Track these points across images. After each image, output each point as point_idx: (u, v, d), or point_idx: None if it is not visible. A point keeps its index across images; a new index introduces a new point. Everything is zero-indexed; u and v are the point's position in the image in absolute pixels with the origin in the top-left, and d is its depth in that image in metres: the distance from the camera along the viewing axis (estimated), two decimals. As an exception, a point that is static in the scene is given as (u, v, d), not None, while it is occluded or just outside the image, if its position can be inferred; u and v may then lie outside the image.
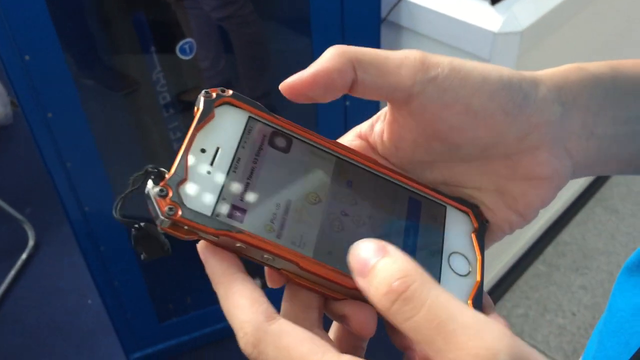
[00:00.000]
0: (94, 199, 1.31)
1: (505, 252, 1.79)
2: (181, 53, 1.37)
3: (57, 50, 1.11)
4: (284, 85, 0.30)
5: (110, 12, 1.48)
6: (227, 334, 1.72)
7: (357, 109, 1.39)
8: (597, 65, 0.35)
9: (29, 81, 1.11)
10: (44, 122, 1.16)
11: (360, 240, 0.26)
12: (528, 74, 0.33)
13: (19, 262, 1.96)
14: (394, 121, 0.34)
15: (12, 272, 1.93)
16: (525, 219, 0.35)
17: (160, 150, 1.59)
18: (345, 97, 1.36)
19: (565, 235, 1.95)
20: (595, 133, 0.34)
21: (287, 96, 0.30)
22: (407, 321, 0.24)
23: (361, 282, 0.25)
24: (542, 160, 0.32)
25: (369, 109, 1.22)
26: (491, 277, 1.75)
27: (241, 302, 0.27)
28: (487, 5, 1.26)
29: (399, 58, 0.31)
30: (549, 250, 1.93)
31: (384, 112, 0.35)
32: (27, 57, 1.08)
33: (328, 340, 0.29)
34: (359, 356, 0.28)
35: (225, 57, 1.56)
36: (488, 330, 0.23)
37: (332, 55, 0.30)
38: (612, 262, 1.87)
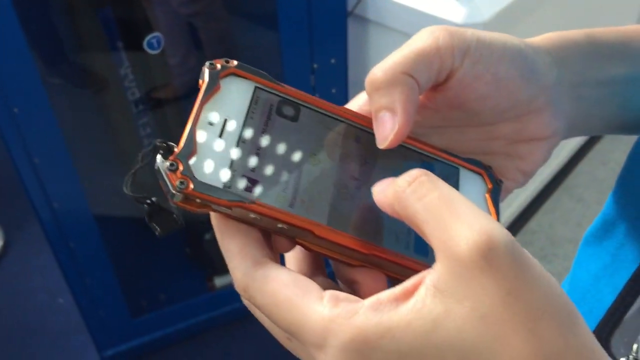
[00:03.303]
0: (63, 195, 1.31)
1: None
2: (149, 47, 1.37)
3: (21, 45, 1.11)
4: (384, 145, 0.30)
5: (77, 8, 1.47)
6: (200, 330, 1.72)
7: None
8: (574, 33, 0.37)
9: (-7, 76, 1.10)
10: (10, 117, 1.15)
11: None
12: (528, 41, 0.34)
13: (-12, 263, 1.93)
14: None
15: (-18, 273, 1.91)
16: (527, 177, 0.36)
17: (130, 146, 1.58)
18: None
19: (533, 224, 1.99)
20: (581, 95, 0.36)
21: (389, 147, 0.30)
22: (421, 200, 0.26)
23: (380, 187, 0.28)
24: (545, 121, 0.34)
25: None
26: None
27: (231, 248, 0.28)
28: (451, -3, 1.28)
29: (433, 46, 0.30)
30: (518, 239, 1.95)
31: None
32: (-9, 52, 1.08)
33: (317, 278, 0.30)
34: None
35: (196, 53, 1.56)
36: (492, 221, 0.24)
37: (395, 88, 0.30)
38: (579, 250, 1.91)
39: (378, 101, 0.30)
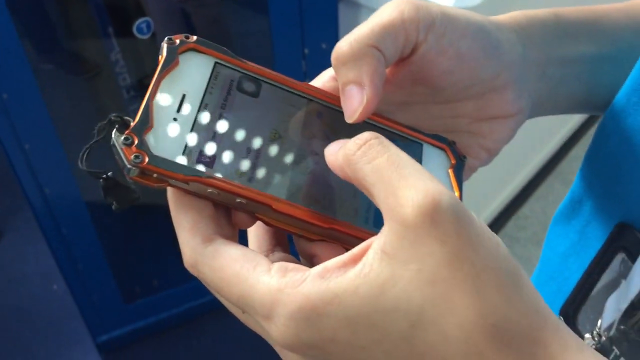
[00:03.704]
0: (54, 180, 1.31)
1: (467, 227, 1.82)
2: (138, 32, 1.37)
3: (10, 31, 1.10)
4: (353, 119, 0.30)
5: (66, -7, 1.47)
6: (194, 315, 1.73)
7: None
8: (541, 12, 0.37)
9: (-19, 62, 1.10)
10: (-1, 103, 1.15)
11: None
12: (492, 19, 0.35)
13: (-17, 250, 1.94)
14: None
15: (-24, 260, 1.92)
16: (492, 155, 0.36)
17: (122, 132, 1.58)
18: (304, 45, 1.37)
19: (525, 210, 2.00)
20: (546, 73, 0.36)
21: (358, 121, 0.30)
22: (370, 162, 0.26)
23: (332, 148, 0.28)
24: (509, 99, 0.34)
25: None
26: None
27: (183, 224, 0.28)
28: (441, -18, 1.28)
29: (398, 19, 0.30)
30: (510, 224, 1.97)
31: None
32: (-22, 38, 1.07)
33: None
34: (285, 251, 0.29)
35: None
36: (437, 183, 0.25)
37: (363, 60, 0.30)
38: (571, 235, 1.92)
39: (345, 75, 0.30)
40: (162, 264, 1.73)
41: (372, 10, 1.39)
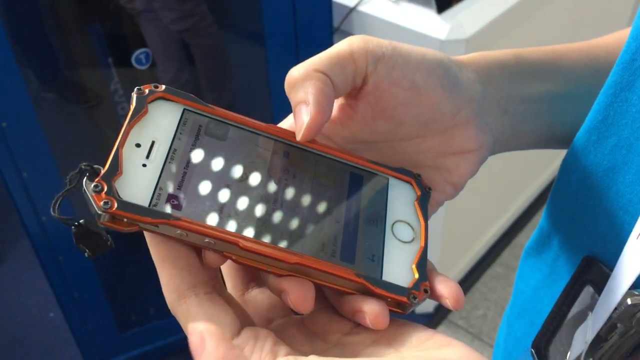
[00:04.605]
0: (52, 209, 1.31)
1: (464, 255, 1.83)
2: (137, 63, 1.39)
3: (9, 60, 1.12)
4: (299, 136, 0.32)
5: (66, 24, 1.49)
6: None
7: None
8: (501, 53, 0.39)
9: (-20, 92, 1.12)
10: (-2, 132, 1.16)
11: None
12: (452, 57, 0.36)
13: (-20, 277, 1.94)
14: (345, 102, 0.35)
15: (-27, 287, 1.92)
16: (457, 189, 0.37)
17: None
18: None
19: (521, 238, 2.00)
20: (508, 111, 0.37)
21: (305, 139, 0.32)
22: None
23: None
24: (471, 135, 0.35)
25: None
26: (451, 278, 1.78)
27: (162, 277, 0.29)
28: (434, 14, 1.30)
29: (347, 51, 0.32)
30: (506, 253, 1.97)
31: None
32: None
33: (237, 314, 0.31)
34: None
35: (188, 69, 1.57)
36: None
37: (309, 82, 0.31)
38: (568, 264, 1.91)
39: (294, 97, 0.32)
40: (158, 292, 1.72)
41: (367, 41, 1.41)
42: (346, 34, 1.42)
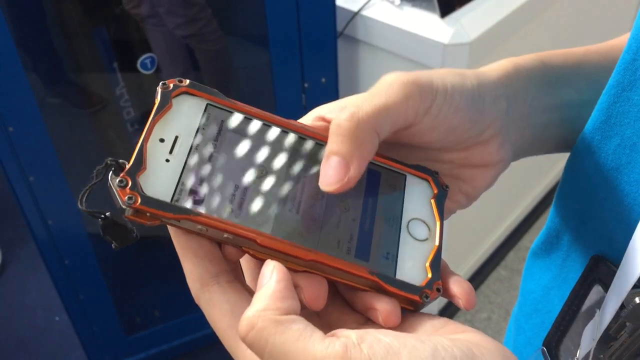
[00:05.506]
0: (58, 212, 1.32)
1: (468, 258, 1.83)
2: (142, 68, 1.40)
3: (16, 65, 1.13)
4: (328, 189, 0.30)
5: (72, 29, 1.50)
6: (195, 347, 1.72)
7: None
8: (527, 59, 0.39)
9: (-12, 96, 1.13)
10: (5, 136, 1.17)
11: None
12: (482, 75, 0.36)
13: (-14, 281, 1.95)
14: None
15: (-21, 291, 1.92)
16: (470, 200, 0.38)
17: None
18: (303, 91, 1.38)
19: (526, 241, 2.00)
20: (530, 123, 0.38)
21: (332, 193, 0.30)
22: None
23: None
24: (492, 151, 0.35)
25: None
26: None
27: (185, 267, 0.30)
28: (438, 18, 1.31)
29: (403, 103, 0.31)
30: (511, 256, 1.97)
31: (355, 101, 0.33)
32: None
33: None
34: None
35: (193, 73, 1.58)
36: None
37: (358, 142, 0.30)
38: (572, 266, 1.91)
39: (338, 146, 0.30)
40: (163, 295, 1.74)
41: (370, 45, 1.42)
42: (350, 38, 1.43)
